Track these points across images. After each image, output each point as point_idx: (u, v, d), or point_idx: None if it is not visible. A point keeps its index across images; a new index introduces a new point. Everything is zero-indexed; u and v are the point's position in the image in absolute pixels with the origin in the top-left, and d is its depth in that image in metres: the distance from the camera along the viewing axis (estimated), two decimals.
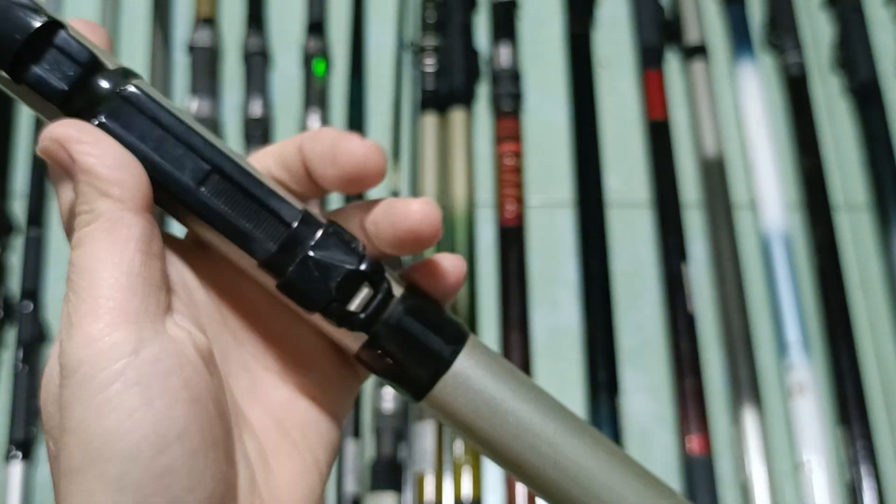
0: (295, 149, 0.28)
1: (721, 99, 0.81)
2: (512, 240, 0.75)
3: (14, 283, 0.73)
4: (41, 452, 0.69)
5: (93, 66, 0.27)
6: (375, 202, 0.28)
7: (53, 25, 0.27)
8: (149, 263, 0.26)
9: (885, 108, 0.79)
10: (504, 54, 0.81)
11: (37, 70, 0.27)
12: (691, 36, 0.82)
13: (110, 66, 0.28)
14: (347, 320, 0.28)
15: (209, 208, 0.27)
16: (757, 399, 0.70)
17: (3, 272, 0.73)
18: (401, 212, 0.27)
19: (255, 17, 0.82)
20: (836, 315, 0.72)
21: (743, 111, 0.80)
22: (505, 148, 0.78)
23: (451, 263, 0.29)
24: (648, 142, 0.79)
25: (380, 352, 0.28)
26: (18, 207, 0.76)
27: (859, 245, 0.77)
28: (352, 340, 0.28)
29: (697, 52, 0.82)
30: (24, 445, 0.68)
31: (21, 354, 0.70)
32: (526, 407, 0.28)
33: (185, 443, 0.25)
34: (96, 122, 0.27)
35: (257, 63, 0.81)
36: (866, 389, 0.70)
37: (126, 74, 0.28)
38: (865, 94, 0.80)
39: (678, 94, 0.82)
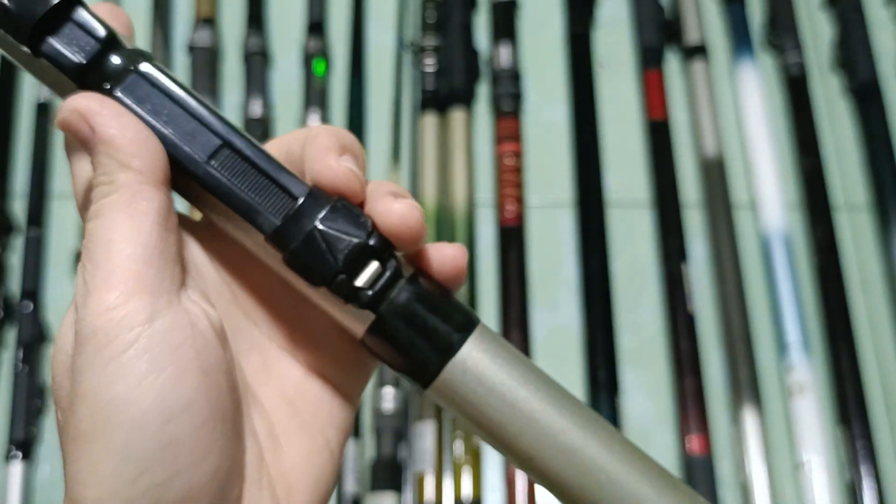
0: (299, 145, 0.29)
1: (721, 99, 0.81)
2: (512, 240, 0.75)
3: (14, 283, 0.73)
4: (41, 452, 0.69)
5: (110, 42, 0.28)
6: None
7: (72, 1, 0.27)
8: (165, 237, 0.26)
9: (885, 108, 0.79)
10: (504, 54, 0.81)
11: (55, 43, 0.27)
12: (691, 36, 0.82)
13: (127, 45, 0.28)
14: (354, 296, 0.27)
15: (218, 181, 0.27)
16: (757, 399, 0.70)
17: (3, 272, 0.73)
18: (381, 210, 0.28)
19: (255, 17, 0.82)
20: (836, 315, 0.72)
21: (743, 111, 0.80)
22: (505, 148, 0.78)
23: (450, 252, 0.29)
24: (648, 142, 0.79)
25: (386, 335, 0.28)
26: (18, 207, 0.76)
27: (859, 245, 0.77)
28: (358, 321, 0.28)
29: (697, 52, 0.82)
30: (24, 445, 0.68)
31: (21, 354, 0.70)
32: (536, 397, 0.28)
33: (193, 414, 0.25)
34: (110, 97, 0.27)
35: (257, 63, 0.81)
36: (866, 389, 0.70)
37: (141, 53, 0.28)
38: (865, 94, 0.80)
39: (678, 94, 0.82)
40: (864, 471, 0.67)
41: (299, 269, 0.27)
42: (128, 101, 0.27)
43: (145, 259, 0.26)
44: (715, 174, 0.77)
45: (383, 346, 0.28)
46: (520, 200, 0.76)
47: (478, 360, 0.28)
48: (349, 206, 0.28)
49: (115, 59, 0.28)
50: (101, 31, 0.28)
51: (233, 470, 0.26)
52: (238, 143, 0.28)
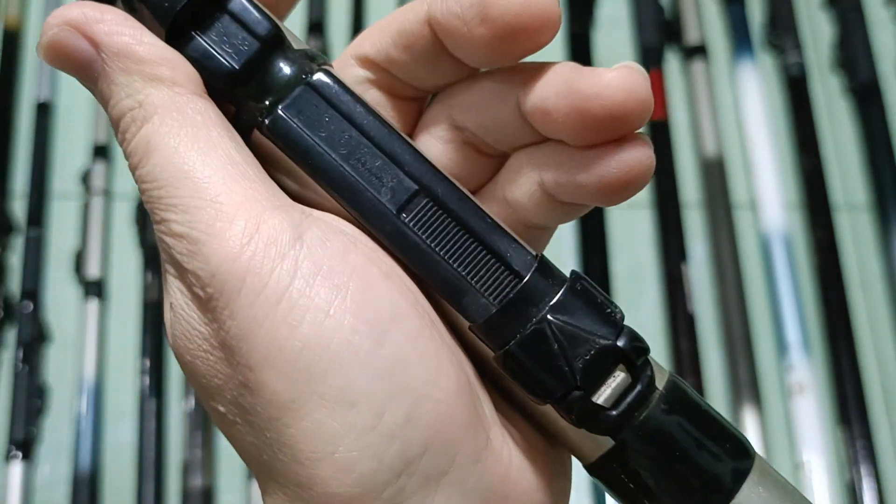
0: (419, 19, 0.21)
1: (721, 99, 0.81)
2: None
3: (14, 283, 0.73)
4: (41, 452, 0.69)
5: (273, 41, 0.21)
6: (543, 68, 0.21)
7: None
8: (241, 147, 0.21)
9: (885, 108, 0.79)
10: None
11: (202, 41, 0.21)
12: (691, 36, 0.82)
13: (294, 45, 0.22)
14: (592, 419, 0.20)
15: (410, 242, 0.20)
16: (757, 399, 0.70)
17: (3, 272, 0.73)
18: (588, 87, 0.19)
19: None
20: (836, 315, 0.72)
21: (743, 111, 0.80)
22: None
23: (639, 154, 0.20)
24: None
25: (627, 469, 0.20)
26: (18, 207, 0.76)
27: (859, 245, 0.77)
28: (590, 445, 0.20)
29: (697, 52, 0.81)
30: (24, 445, 0.68)
31: (21, 354, 0.70)
32: None
33: (404, 324, 0.19)
34: (270, 118, 0.21)
35: None
36: (866, 389, 0.70)
37: (313, 57, 0.22)
38: (865, 94, 0.80)
39: (678, 94, 0.82)
40: (864, 471, 0.67)
41: (518, 377, 0.20)
42: (293, 122, 0.20)
43: (243, 175, 0.20)
44: (715, 174, 0.77)
45: (621, 482, 0.20)
46: None
47: None
48: (590, 290, 0.20)
49: (280, 65, 0.21)
50: (265, 28, 0.21)
51: (471, 383, 0.21)
52: (441, 190, 0.20)
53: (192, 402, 0.69)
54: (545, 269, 0.20)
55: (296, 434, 0.19)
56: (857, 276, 0.75)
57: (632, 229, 0.77)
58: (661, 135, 0.79)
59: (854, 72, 0.81)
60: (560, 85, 0.20)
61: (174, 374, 0.71)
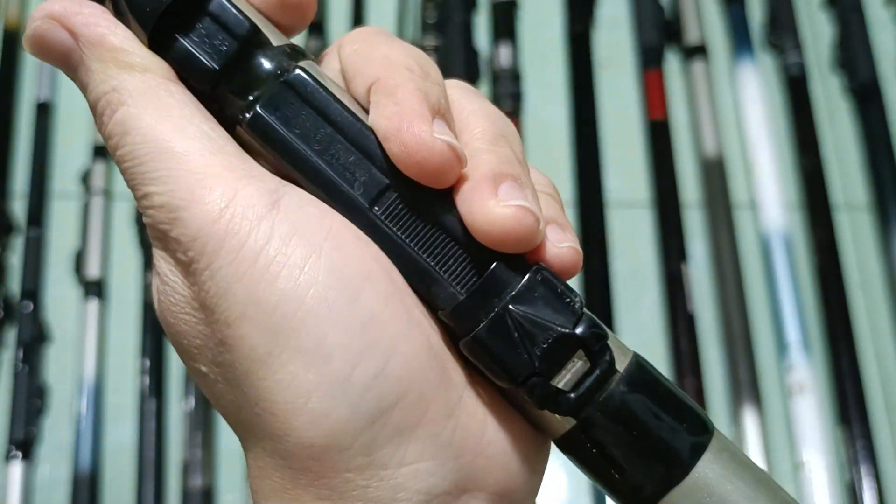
0: (363, 79, 0.23)
1: (721, 99, 0.81)
2: None
3: (14, 283, 0.73)
4: (41, 452, 0.69)
5: (252, 40, 0.22)
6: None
7: None
8: (216, 126, 0.22)
9: (885, 108, 0.79)
10: (504, 54, 0.81)
11: (184, 42, 0.22)
12: (691, 36, 0.82)
13: (274, 41, 0.22)
14: (552, 401, 0.21)
15: (381, 234, 0.21)
16: (757, 399, 0.70)
17: (3, 272, 0.73)
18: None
19: None
20: (836, 315, 0.72)
21: (743, 111, 0.80)
22: None
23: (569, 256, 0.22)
24: (648, 142, 0.79)
25: (589, 445, 0.21)
26: (18, 207, 0.76)
27: (859, 245, 0.77)
28: (555, 424, 0.22)
29: (697, 52, 0.82)
30: (24, 445, 0.68)
31: (21, 354, 0.70)
32: None
33: (376, 284, 0.21)
34: (250, 115, 0.22)
35: None
36: (866, 389, 0.70)
37: (293, 54, 0.22)
38: (865, 94, 0.80)
39: (678, 94, 0.82)
40: (864, 471, 0.67)
41: (482, 361, 0.21)
42: (269, 119, 0.22)
43: (219, 148, 0.21)
44: (715, 174, 0.77)
45: (585, 456, 0.22)
46: None
47: (714, 484, 0.21)
48: (551, 280, 0.21)
49: (260, 63, 0.22)
50: (243, 27, 0.22)
51: (439, 346, 0.22)
52: (410, 183, 0.21)
53: (192, 402, 0.69)
54: (511, 260, 0.21)
55: (271, 386, 0.20)
56: (857, 276, 0.75)
57: (632, 229, 0.77)
58: (661, 135, 0.79)
59: (854, 72, 0.81)
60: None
61: (174, 374, 0.71)
